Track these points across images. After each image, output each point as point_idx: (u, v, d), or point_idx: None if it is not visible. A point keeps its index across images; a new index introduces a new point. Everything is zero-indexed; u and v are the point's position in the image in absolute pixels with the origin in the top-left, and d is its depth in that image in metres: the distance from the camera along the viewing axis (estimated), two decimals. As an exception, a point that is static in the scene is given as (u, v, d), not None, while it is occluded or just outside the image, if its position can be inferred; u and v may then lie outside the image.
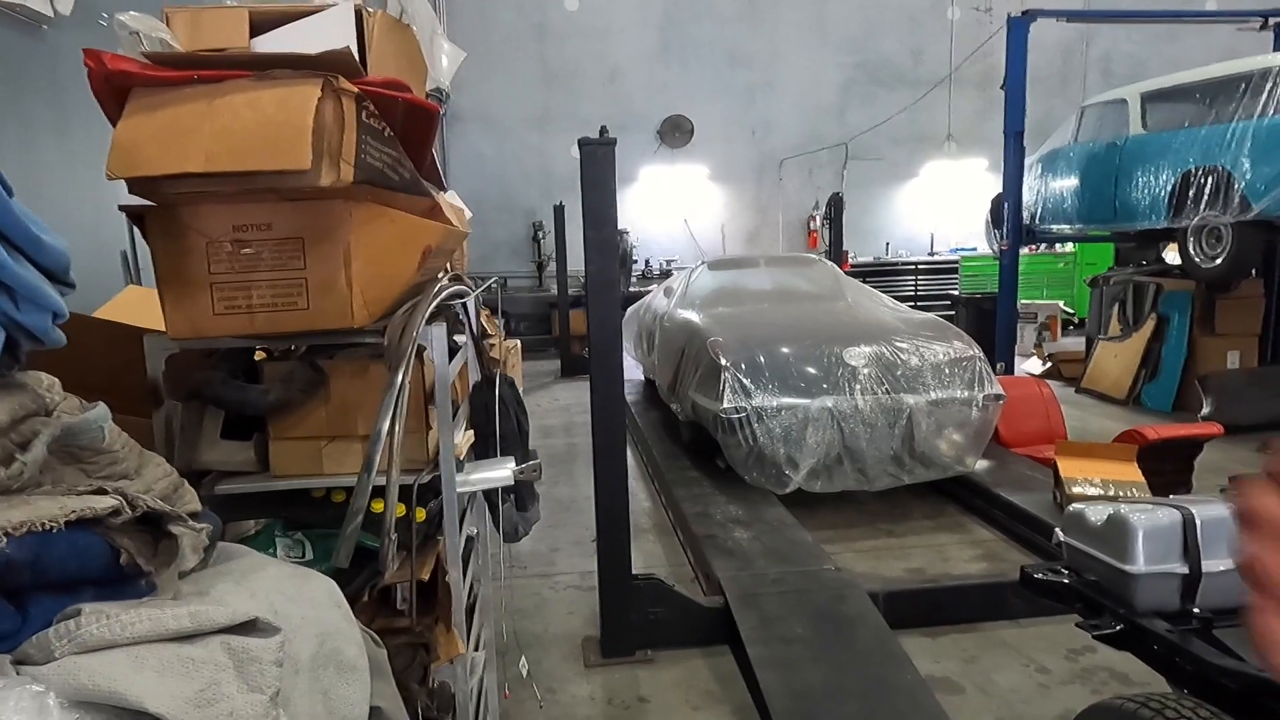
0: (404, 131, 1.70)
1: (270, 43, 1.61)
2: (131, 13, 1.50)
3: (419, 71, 1.91)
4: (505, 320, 12.45)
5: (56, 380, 1.05)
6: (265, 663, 0.87)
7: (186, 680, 0.82)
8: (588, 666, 3.56)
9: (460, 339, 2.46)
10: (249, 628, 0.90)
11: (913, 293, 13.05)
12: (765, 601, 3.64)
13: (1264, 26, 8.32)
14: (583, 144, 3.34)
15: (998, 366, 8.04)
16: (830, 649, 3.30)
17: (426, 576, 1.75)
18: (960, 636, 3.69)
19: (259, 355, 1.95)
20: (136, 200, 1.57)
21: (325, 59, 1.48)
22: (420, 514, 1.76)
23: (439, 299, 1.83)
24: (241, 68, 1.46)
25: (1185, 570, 2.29)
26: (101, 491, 0.96)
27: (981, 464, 5.34)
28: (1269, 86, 6.05)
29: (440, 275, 2.24)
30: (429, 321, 1.78)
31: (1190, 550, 2.29)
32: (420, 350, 1.73)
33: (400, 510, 1.66)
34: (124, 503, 0.93)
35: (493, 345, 7.27)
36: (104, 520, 0.92)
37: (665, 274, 12.29)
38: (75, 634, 0.82)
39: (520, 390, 7.60)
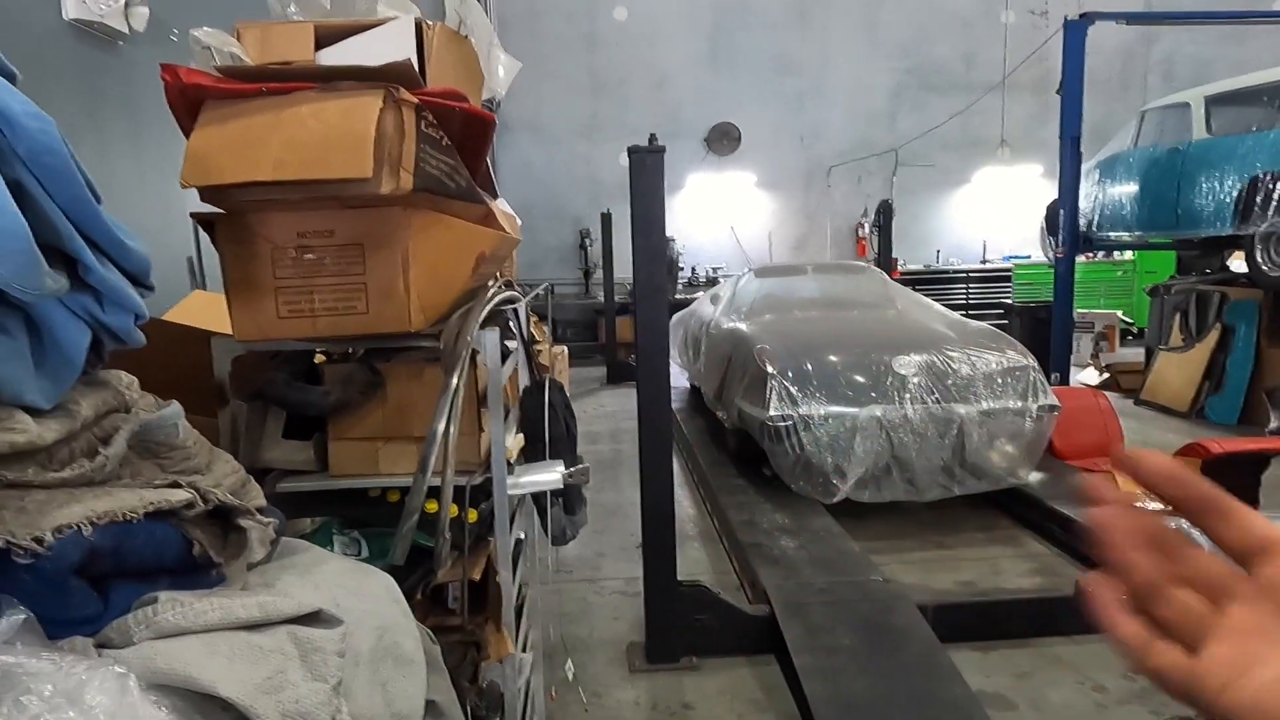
0: (461, 140, 1.74)
1: (334, 55, 1.66)
2: (205, 28, 1.56)
3: (476, 82, 1.95)
4: (553, 327, 12.57)
5: (135, 379, 1.10)
6: (328, 653, 0.90)
7: (255, 667, 0.85)
8: (633, 671, 3.57)
9: (511, 344, 2.50)
10: (313, 619, 0.93)
11: (964, 301, 12.82)
12: (811, 611, 3.61)
13: (1337, 26, 8.01)
14: (632, 152, 3.37)
15: (1053, 377, 7.84)
16: (877, 660, 3.26)
17: (478, 577, 1.79)
18: (1012, 652, 3.61)
19: (319, 358, 2.01)
20: (206, 208, 1.63)
21: (386, 71, 1.52)
22: (473, 515, 1.80)
23: (492, 304, 1.87)
24: (307, 80, 1.52)
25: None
26: (176, 485, 1.01)
27: (1036, 476, 5.22)
28: (1343, 88, 5.82)
29: (492, 281, 2.28)
30: (482, 326, 1.82)
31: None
32: (474, 354, 1.76)
33: (454, 511, 1.69)
34: (197, 496, 0.98)
35: (540, 351, 7.35)
36: (178, 512, 0.97)
37: (711, 281, 12.27)
38: (153, 620, 0.86)
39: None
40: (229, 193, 1.53)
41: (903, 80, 13.49)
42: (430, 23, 1.74)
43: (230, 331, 1.70)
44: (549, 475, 2.02)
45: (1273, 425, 6.62)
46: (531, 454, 2.33)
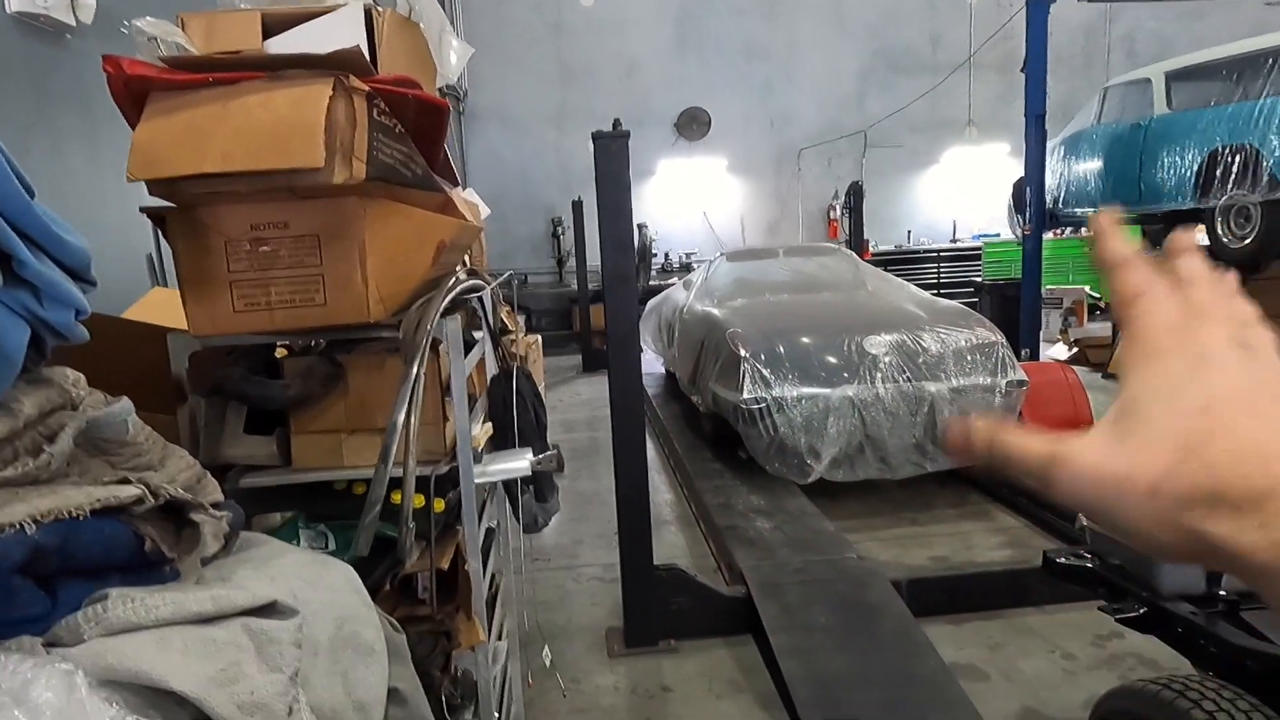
0: (415, 128, 1.72)
1: (282, 44, 1.64)
2: (148, 18, 1.53)
3: (429, 68, 1.93)
4: (527, 316, 12.53)
5: (82, 376, 1.08)
6: (284, 644, 0.90)
7: (209, 660, 0.85)
8: (611, 656, 3.59)
9: (478, 333, 2.49)
10: (269, 610, 0.93)
11: (935, 280, 12.94)
12: (787, 591, 3.65)
13: (1292, 0, 8.14)
14: (596, 137, 3.36)
15: (1022, 353, 7.94)
16: (853, 637, 3.31)
17: (446, 566, 1.78)
18: (984, 624, 3.68)
19: (280, 352, 1.99)
20: (158, 202, 1.61)
21: (336, 58, 1.50)
22: (439, 504, 1.79)
23: (454, 293, 1.86)
24: (255, 69, 1.49)
25: (1210, 553, 2.27)
26: (126, 481, 0.99)
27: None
28: (1297, 62, 5.92)
29: (456, 270, 2.27)
30: (444, 315, 1.81)
31: (1215, 532, 2.28)
32: (435, 343, 1.76)
33: (419, 501, 1.69)
34: (147, 491, 0.97)
35: (513, 341, 7.32)
36: (128, 509, 0.95)
37: (685, 267, 12.29)
38: (103, 617, 0.85)
39: (542, 386, 7.68)
40: (178, 186, 1.50)
41: (870, 62, 13.55)
42: (380, 9, 1.72)
43: (187, 327, 1.68)
44: (517, 463, 2.02)
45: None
46: (500, 442, 2.33)
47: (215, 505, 1.13)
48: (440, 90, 2.21)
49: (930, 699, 2.91)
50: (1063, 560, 2.57)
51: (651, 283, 11.90)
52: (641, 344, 9.43)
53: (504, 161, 13.25)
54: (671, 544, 4.85)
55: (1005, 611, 3.74)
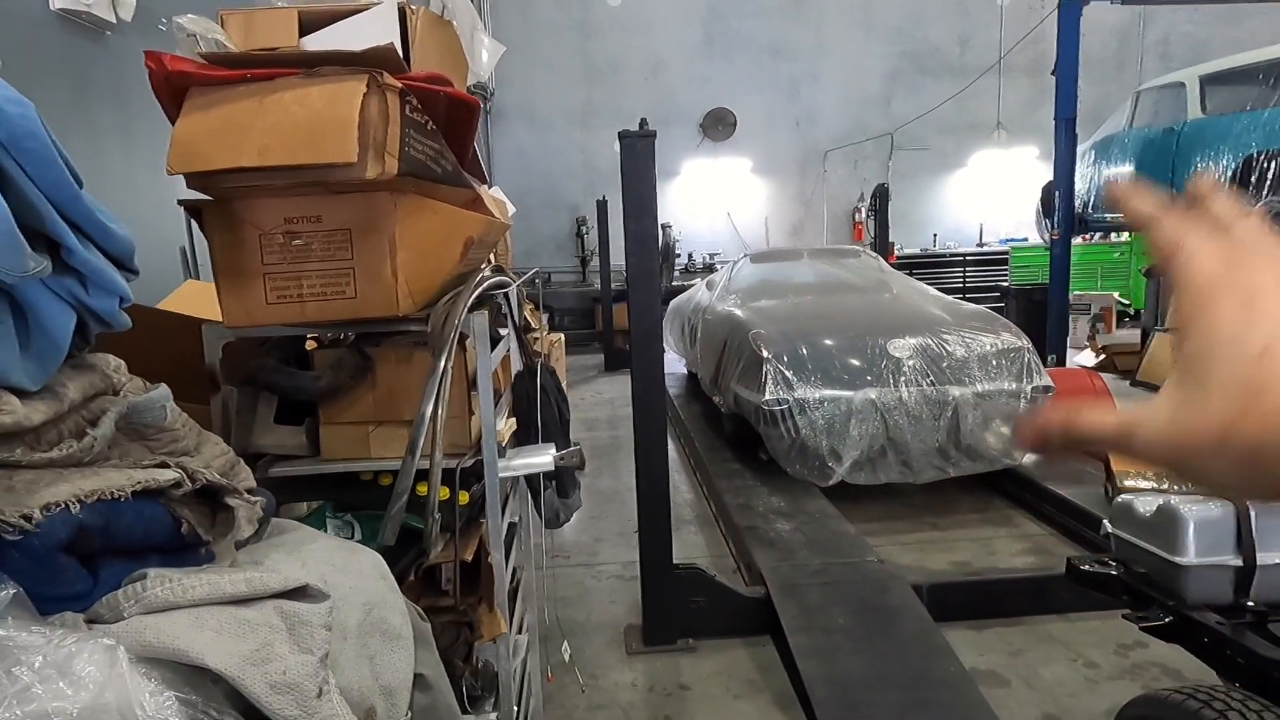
0: (446, 125, 1.74)
1: (318, 41, 1.67)
2: (189, 15, 1.57)
3: (460, 66, 1.96)
4: (549, 315, 12.57)
5: (123, 362, 1.11)
6: (315, 626, 0.92)
7: (242, 640, 0.87)
8: (630, 653, 3.60)
9: (503, 330, 2.52)
10: (300, 594, 0.95)
11: (961, 284, 12.83)
12: (807, 592, 3.64)
13: (1333, 4, 7.99)
14: (623, 136, 3.37)
15: (1049, 359, 7.86)
16: (872, 640, 3.29)
17: (470, 558, 1.81)
18: (1006, 630, 3.64)
19: (310, 344, 2.02)
20: (194, 195, 1.64)
21: (370, 55, 1.53)
22: (463, 497, 1.81)
23: (481, 288, 1.88)
24: (291, 66, 1.52)
25: (1239, 562, 2.24)
26: (164, 466, 1.02)
27: (1030, 457, 5.24)
28: (1336, 66, 5.81)
29: (483, 267, 2.29)
30: (471, 310, 1.83)
31: (1244, 542, 2.25)
32: (463, 337, 1.78)
33: (444, 493, 1.71)
34: (185, 476, 0.99)
35: (536, 339, 7.37)
36: (166, 491, 0.98)
37: (708, 268, 12.27)
38: (142, 595, 0.88)
39: (564, 383, 7.70)
40: (215, 179, 1.54)
41: (897, 64, 13.45)
42: (414, 7, 1.75)
43: (220, 318, 1.71)
44: (540, 458, 2.04)
45: (1267, 404, 6.64)
46: (523, 437, 2.35)
47: (249, 492, 1.16)
48: (469, 88, 2.24)
49: (949, 703, 2.89)
50: (1087, 567, 2.55)
51: (674, 283, 11.90)
52: (663, 344, 9.45)
53: (529, 160, 13.32)
54: (691, 543, 4.85)
55: (1027, 618, 3.71)
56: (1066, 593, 3.60)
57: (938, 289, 7.73)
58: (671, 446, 6.97)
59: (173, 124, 1.53)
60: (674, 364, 9.24)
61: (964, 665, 3.10)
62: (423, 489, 1.82)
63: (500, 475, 1.90)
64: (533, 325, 7.43)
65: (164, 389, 1.11)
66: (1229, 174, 6.59)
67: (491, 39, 1.96)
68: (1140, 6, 12.53)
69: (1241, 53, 7.08)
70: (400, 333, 1.82)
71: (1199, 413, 0.41)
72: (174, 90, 1.54)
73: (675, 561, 3.73)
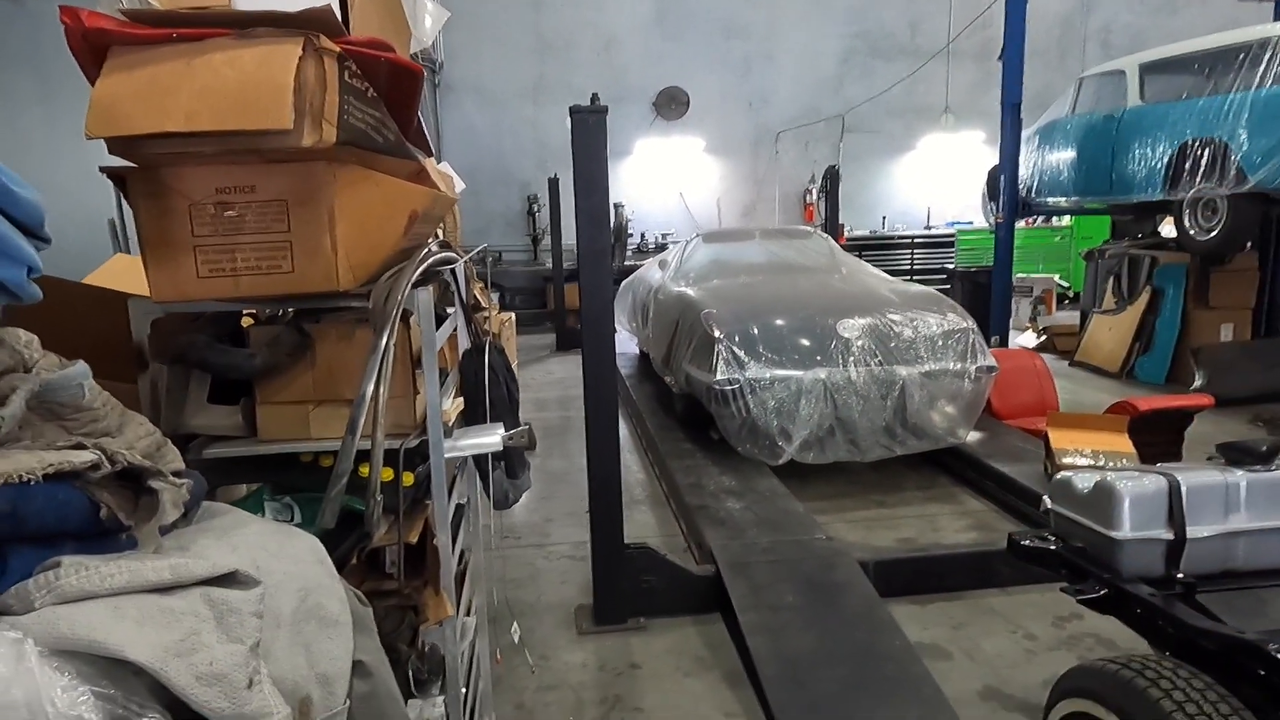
0: (388, 93, 1.68)
1: (252, 1, 1.59)
2: (108, -31, 1.48)
3: (403, 32, 1.89)
4: (500, 294, 12.42)
5: (35, 337, 1.05)
6: (245, 614, 0.88)
7: (166, 630, 0.83)
8: (580, 634, 3.60)
9: (450, 308, 2.46)
10: (229, 580, 0.91)
11: (909, 266, 13.03)
12: (756, 570, 3.67)
13: (1264, -4, 8.25)
14: (574, 111, 3.32)
15: (992, 340, 8.04)
16: (820, 616, 3.34)
17: (414, 540, 1.76)
18: (949, 604, 3.73)
19: (246, 320, 1.94)
20: (118, 162, 1.55)
21: (306, 17, 1.46)
22: (408, 478, 1.77)
23: (426, 264, 1.83)
24: (222, 26, 1.44)
25: (1170, 536, 2.32)
26: (81, 447, 0.96)
27: (974, 435, 5.36)
28: (1267, 57, 6.00)
29: (429, 242, 2.23)
30: (415, 286, 1.78)
31: (1176, 516, 2.32)
32: (406, 314, 1.73)
33: (388, 474, 1.66)
34: (103, 457, 0.94)
35: (486, 318, 7.25)
36: (83, 474, 0.92)
37: (661, 247, 12.24)
38: (54, 585, 0.83)
39: (515, 364, 7.61)
40: (139, 145, 1.45)
41: (850, 46, 13.52)
42: (353, -32, 1.67)
43: (148, 293, 1.63)
44: (488, 438, 2.00)
45: (1197, 384, 6.90)
46: (471, 417, 2.31)
47: (176, 474, 1.10)
48: (414, 56, 2.16)
49: (894, 676, 2.95)
50: (1027, 543, 2.61)
51: (627, 263, 11.85)
52: (615, 324, 9.40)
53: (479, 135, 13.08)
54: (642, 523, 4.86)
55: (969, 592, 3.80)
56: (1007, 567, 3.69)
57: (886, 271, 7.83)
58: (623, 426, 6.95)
59: (93, 85, 1.44)
60: (626, 344, 9.22)
61: (909, 639, 3.17)
62: (364, 470, 1.77)
63: (446, 456, 1.85)
64: (482, 304, 7.32)
65: (81, 366, 1.05)
66: (1165, 161, 6.78)
67: (436, 4, 1.89)
68: (1084, -5, 12.80)
69: (1178, 42, 7.27)
70: (341, 309, 1.76)
71: None
72: (93, 49, 1.44)
73: (626, 541, 3.73)
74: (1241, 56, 6.22)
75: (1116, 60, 8.05)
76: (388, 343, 1.51)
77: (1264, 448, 2.43)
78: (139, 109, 1.39)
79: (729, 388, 4.92)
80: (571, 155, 3.35)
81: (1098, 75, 8.05)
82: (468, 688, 2.48)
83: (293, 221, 1.59)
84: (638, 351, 8.62)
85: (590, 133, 3.31)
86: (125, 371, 1.77)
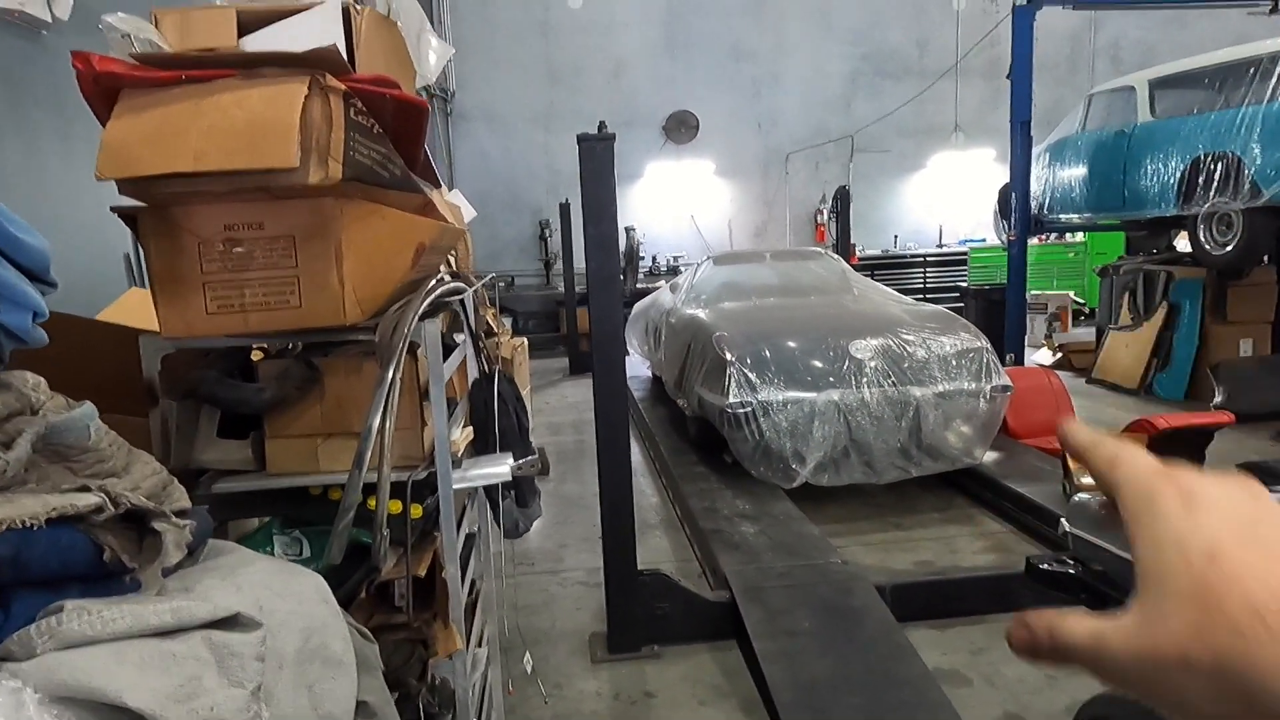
0: (394, 128, 1.70)
1: (259, 42, 1.61)
2: (119, 14, 1.50)
3: (408, 68, 1.91)
4: (513, 319, 12.48)
5: (42, 380, 1.05)
6: (246, 657, 0.87)
7: (166, 675, 0.82)
8: (594, 662, 3.56)
9: (460, 336, 2.47)
10: (231, 623, 0.90)
11: (921, 285, 12.99)
12: (771, 595, 3.63)
13: (1274, 10, 8.21)
14: (581, 139, 3.34)
15: (1007, 358, 7.98)
16: (836, 642, 3.30)
17: (423, 573, 1.76)
18: (968, 628, 3.67)
19: (256, 354, 1.96)
20: (130, 201, 1.58)
21: (312, 57, 1.48)
22: (416, 510, 1.77)
23: (433, 296, 1.83)
24: (229, 67, 1.47)
25: (1192, 559, 2.28)
26: (85, 489, 0.97)
27: (990, 455, 5.31)
28: (1278, 71, 5.97)
29: (438, 273, 2.24)
30: (423, 318, 1.78)
31: (1197, 539, 2.28)
32: (413, 346, 1.73)
33: (396, 507, 1.66)
34: (107, 500, 0.94)
35: (499, 344, 7.28)
36: (87, 517, 0.93)
37: (672, 270, 12.28)
38: (57, 630, 0.83)
39: (528, 389, 7.61)
40: (149, 185, 1.47)
41: (858, 66, 13.59)
42: (359, 7, 1.70)
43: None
44: (497, 468, 2.00)
45: (1217, 400, 6.81)
46: (481, 447, 2.31)
47: (181, 513, 1.10)
48: (426, 90, 2.19)
49: (912, 703, 2.90)
50: (1045, 566, 2.57)
51: (639, 286, 11.88)
52: (628, 347, 9.43)
53: (491, 162, 13.21)
54: (656, 548, 4.83)
55: (989, 616, 3.74)
56: (1027, 590, 3.62)
57: (899, 290, 7.81)
58: (636, 450, 6.94)
59: (104, 127, 1.46)
60: (638, 367, 9.22)
61: (926, 665, 3.12)
62: (373, 503, 1.77)
63: (456, 487, 1.85)
64: (494, 330, 7.36)
65: (88, 407, 1.05)
66: (1178, 176, 6.75)
67: (440, 40, 1.91)
68: (1091, 11, 12.82)
69: (1189, 57, 7.26)
70: (349, 342, 1.77)
71: (1156, 629, 0.37)
72: (104, 92, 1.47)
73: (640, 567, 3.70)
74: (1252, 71, 6.20)
75: (1126, 76, 8.04)
76: (394, 376, 1.51)
77: (1286, 468, 2.39)
78: (149, 151, 1.41)
79: (741, 410, 4.90)
80: (580, 182, 3.37)
81: (1108, 91, 8.03)
82: (481, 719, 2.46)
83: (300, 257, 1.60)
84: (650, 375, 8.61)
85: (598, 160, 3.34)
86: (137, 407, 1.78)
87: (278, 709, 0.93)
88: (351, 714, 1.02)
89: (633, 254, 12.56)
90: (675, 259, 13.19)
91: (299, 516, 1.80)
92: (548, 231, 13.15)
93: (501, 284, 13.27)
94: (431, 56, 1.87)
